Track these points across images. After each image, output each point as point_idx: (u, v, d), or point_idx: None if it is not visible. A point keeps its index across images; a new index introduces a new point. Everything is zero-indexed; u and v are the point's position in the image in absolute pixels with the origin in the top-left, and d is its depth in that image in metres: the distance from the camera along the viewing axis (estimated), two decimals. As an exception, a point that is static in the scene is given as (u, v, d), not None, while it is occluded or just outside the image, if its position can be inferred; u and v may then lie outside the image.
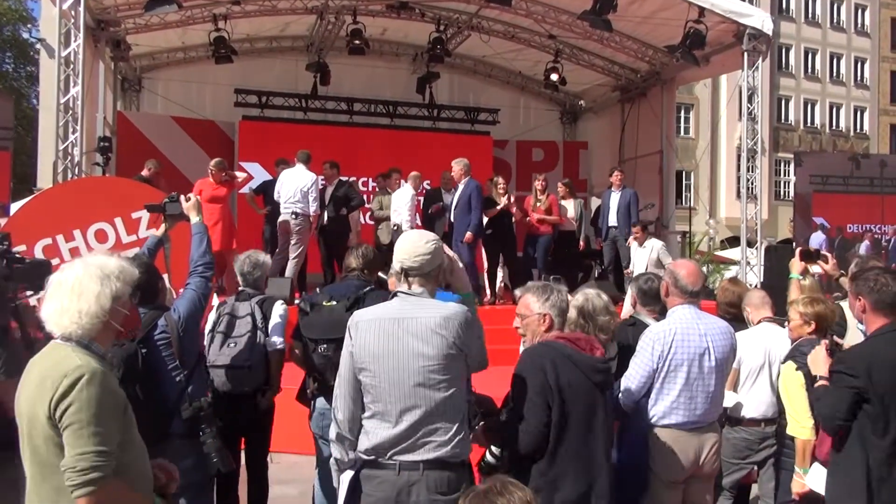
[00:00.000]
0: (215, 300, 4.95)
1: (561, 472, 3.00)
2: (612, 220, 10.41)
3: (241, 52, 12.38)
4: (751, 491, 4.73)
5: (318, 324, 3.91)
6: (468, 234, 9.07)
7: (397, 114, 14.14)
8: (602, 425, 3.08)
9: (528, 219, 10.19)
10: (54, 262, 6.98)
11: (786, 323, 4.19)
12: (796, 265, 4.63)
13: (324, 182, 9.70)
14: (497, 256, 10.19)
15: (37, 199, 8.03)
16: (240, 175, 10.68)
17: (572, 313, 3.60)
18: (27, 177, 21.50)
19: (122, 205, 7.47)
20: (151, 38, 12.01)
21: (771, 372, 4.25)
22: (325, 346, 3.86)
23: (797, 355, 3.74)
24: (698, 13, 10.14)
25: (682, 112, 29.98)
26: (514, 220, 10.10)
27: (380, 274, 4.30)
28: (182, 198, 3.91)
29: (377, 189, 11.30)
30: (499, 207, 9.82)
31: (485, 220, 9.79)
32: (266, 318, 4.55)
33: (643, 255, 9.45)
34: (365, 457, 2.77)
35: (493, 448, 3.08)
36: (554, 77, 12.99)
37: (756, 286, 9.15)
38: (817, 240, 11.77)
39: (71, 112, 8.38)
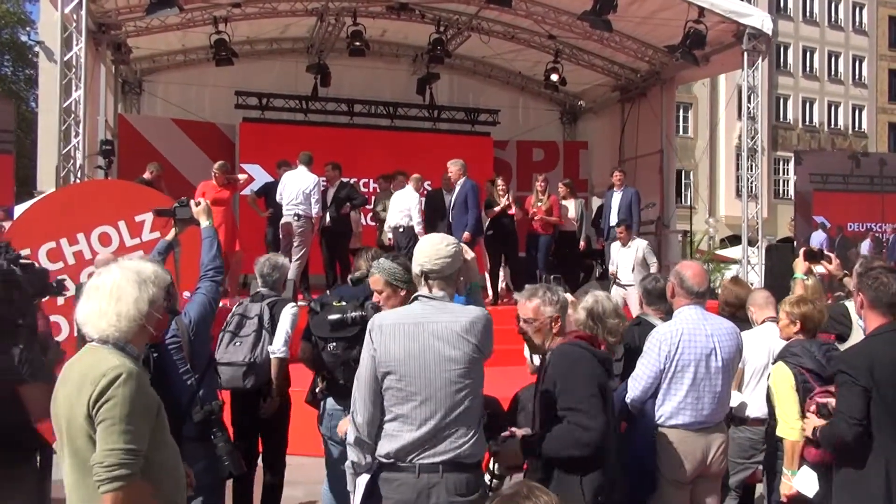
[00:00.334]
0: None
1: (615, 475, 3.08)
2: (614, 219, 10.40)
3: (241, 54, 12.40)
4: (755, 490, 4.76)
5: (328, 323, 3.97)
6: (466, 234, 9.06)
7: (398, 115, 14.16)
8: None
9: (530, 215, 10.20)
10: (58, 265, 7.03)
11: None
12: (800, 265, 4.66)
13: (325, 183, 9.72)
14: (499, 257, 10.21)
15: (40, 202, 8.05)
16: (241, 177, 10.70)
17: (581, 315, 3.62)
18: (27, 179, 21.53)
19: (126, 208, 7.50)
20: (152, 40, 12.03)
21: (775, 372, 4.27)
22: (333, 344, 3.94)
23: (787, 356, 3.77)
24: (698, 13, 10.17)
25: (681, 111, 30.00)
26: (515, 220, 10.11)
27: (358, 273, 4.35)
28: (192, 202, 3.94)
29: (378, 190, 11.31)
30: (497, 209, 9.84)
31: (486, 220, 9.83)
32: (273, 320, 4.62)
33: (628, 256, 9.31)
34: (384, 460, 2.77)
35: (494, 467, 3.13)
36: (554, 77, 13.01)
37: (753, 285, 9.19)
38: (818, 238, 11.78)
39: (73, 116, 8.39)
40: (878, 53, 37.25)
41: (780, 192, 33.78)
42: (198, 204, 3.89)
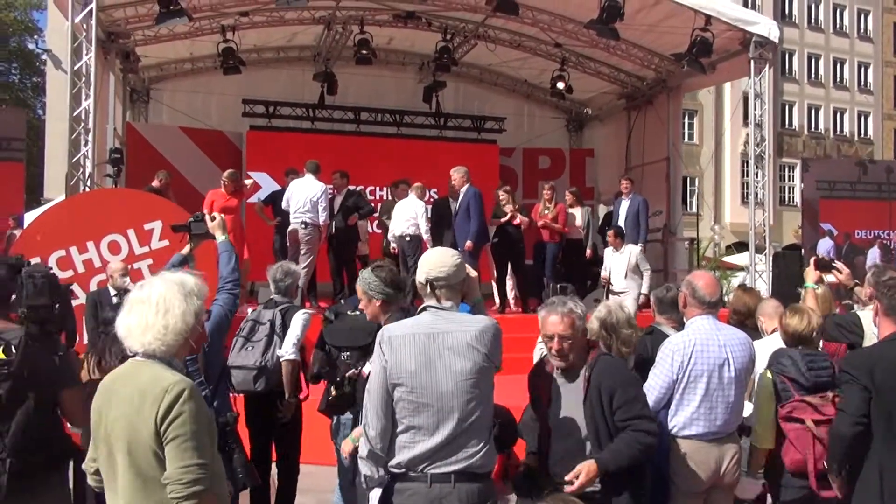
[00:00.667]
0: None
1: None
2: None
3: (248, 63, 12.45)
4: (766, 500, 4.73)
5: (342, 332, 3.99)
6: (468, 243, 9.02)
7: (404, 122, 14.18)
8: None
9: (540, 224, 10.19)
10: (68, 273, 7.07)
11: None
12: (811, 274, 4.65)
13: (333, 191, 9.74)
14: (505, 265, 10.18)
15: (50, 211, 8.11)
16: (246, 182, 10.72)
17: (594, 325, 3.62)
18: (34, 187, 21.59)
19: (135, 216, 7.56)
20: (160, 49, 12.09)
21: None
22: (347, 353, 3.96)
23: (773, 363, 3.76)
24: (705, 21, 10.18)
25: (686, 118, 29.98)
26: (522, 228, 10.08)
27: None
28: (207, 217, 3.96)
29: (385, 199, 11.31)
30: (503, 220, 9.81)
31: (492, 229, 9.79)
32: (285, 326, 4.68)
33: (621, 261, 9.20)
34: (395, 470, 2.78)
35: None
36: (560, 85, 13.03)
37: (759, 292, 9.14)
38: (825, 246, 11.75)
39: (83, 125, 8.42)
40: (884, 60, 37.22)
41: (786, 198, 33.72)
42: (213, 219, 3.92)
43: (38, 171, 21.52)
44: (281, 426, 4.75)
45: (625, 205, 10.55)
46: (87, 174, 8.40)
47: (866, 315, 4.07)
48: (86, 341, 6.08)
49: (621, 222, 10.42)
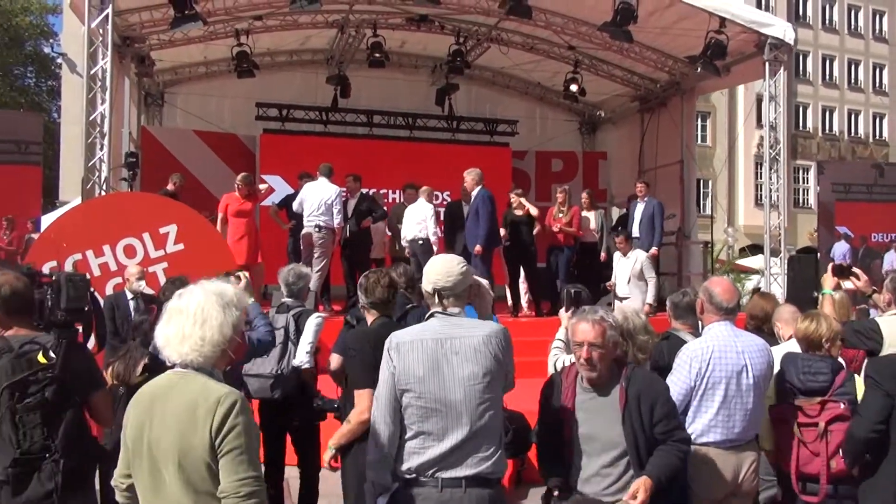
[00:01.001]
0: None
1: None
2: (636, 231, 10.33)
3: (262, 66, 12.48)
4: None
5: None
6: (477, 247, 8.98)
7: (416, 126, 14.20)
8: None
9: (555, 228, 10.14)
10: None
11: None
12: (829, 281, 4.62)
13: (346, 194, 9.76)
14: (517, 269, 10.13)
15: (66, 215, 8.15)
16: (261, 187, 10.76)
17: (610, 331, 3.60)
18: (50, 190, 21.78)
19: (150, 220, 7.57)
20: (175, 53, 12.16)
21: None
22: None
23: (781, 368, 3.76)
24: (719, 23, 10.12)
25: (699, 120, 29.86)
26: (534, 232, 10.04)
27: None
28: (231, 278, 3.98)
29: (396, 202, 11.31)
30: (520, 213, 9.72)
31: (502, 232, 9.74)
32: (299, 332, 4.69)
33: (626, 266, 9.07)
34: (406, 475, 2.78)
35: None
36: (573, 88, 12.98)
37: (776, 297, 9.07)
38: (841, 249, 11.68)
39: (98, 129, 8.46)
40: (899, 61, 36.96)
41: (800, 201, 33.52)
42: (238, 279, 3.95)
43: (52, 174, 21.70)
44: (298, 430, 4.75)
45: (640, 208, 10.49)
46: (102, 178, 8.44)
47: (885, 321, 4.04)
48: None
49: (636, 225, 10.37)
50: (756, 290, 10.98)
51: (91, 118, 8.47)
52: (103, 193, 8.41)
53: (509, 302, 10.08)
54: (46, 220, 9.15)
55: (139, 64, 11.43)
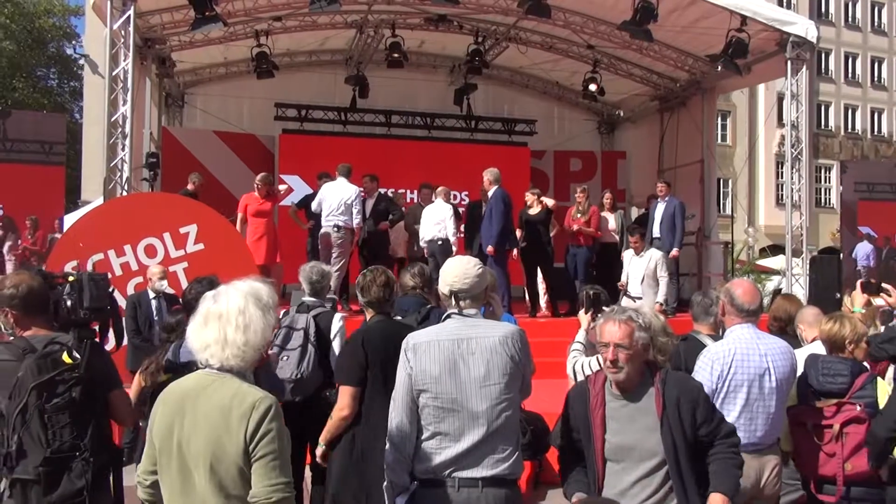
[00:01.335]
0: None
1: None
2: (657, 231, 10.24)
3: (281, 67, 12.56)
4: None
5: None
6: (489, 248, 8.92)
7: (434, 125, 14.20)
8: None
9: (574, 228, 10.07)
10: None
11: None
12: (858, 298, 4.57)
13: (363, 195, 9.77)
14: (534, 269, 10.07)
15: (88, 215, 8.24)
16: (280, 187, 10.82)
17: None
18: (72, 189, 22.01)
19: (170, 220, 7.65)
20: (195, 54, 12.24)
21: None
22: None
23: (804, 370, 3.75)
24: (741, 22, 10.02)
25: (719, 119, 29.61)
26: (552, 233, 9.99)
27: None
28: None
29: (413, 202, 11.29)
30: (534, 212, 9.68)
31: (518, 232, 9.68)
32: (319, 333, 4.65)
33: (639, 266, 8.89)
34: (423, 476, 2.78)
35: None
36: (592, 87, 12.91)
37: (799, 300, 8.96)
38: (864, 250, 11.52)
39: (120, 130, 8.55)
40: (923, 59, 36.40)
41: (822, 200, 33.13)
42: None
43: (74, 174, 21.92)
44: (315, 432, 4.74)
45: (661, 208, 10.38)
46: (124, 178, 8.53)
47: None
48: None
49: (657, 225, 10.28)
50: (777, 292, 10.86)
51: (113, 119, 8.56)
52: (125, 193, 8.50)
53: (527, 301, 10.04)
54: (69, 219, 9.25)
55: (160, 65, 11.53)
